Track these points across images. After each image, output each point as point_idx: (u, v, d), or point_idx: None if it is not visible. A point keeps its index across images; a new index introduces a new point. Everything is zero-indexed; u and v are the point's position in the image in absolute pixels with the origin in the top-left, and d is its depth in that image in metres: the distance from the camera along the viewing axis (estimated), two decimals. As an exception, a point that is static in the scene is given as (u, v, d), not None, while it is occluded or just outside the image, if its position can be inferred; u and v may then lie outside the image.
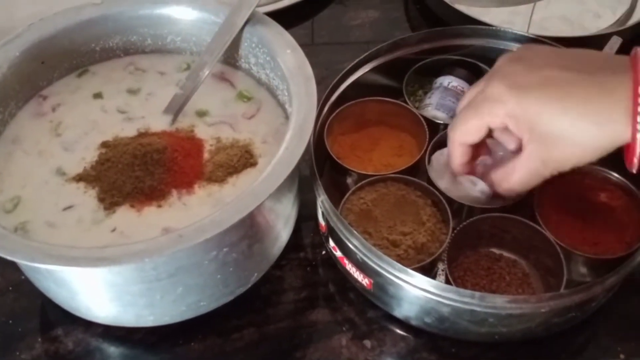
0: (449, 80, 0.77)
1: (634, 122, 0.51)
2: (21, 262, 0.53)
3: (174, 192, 0.62)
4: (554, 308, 0.57)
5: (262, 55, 0.68)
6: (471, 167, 0.66)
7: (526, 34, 0.78)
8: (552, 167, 0.57)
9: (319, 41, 0.97)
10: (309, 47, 0.65)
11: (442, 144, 0.73)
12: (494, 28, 0.80)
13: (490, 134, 0.61)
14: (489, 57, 0.79)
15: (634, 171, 0.54)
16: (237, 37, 0.68)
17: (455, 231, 0.64)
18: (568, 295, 0.57)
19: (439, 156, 0.70)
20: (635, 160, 0.53)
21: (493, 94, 0.57)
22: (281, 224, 0.64)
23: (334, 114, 0.73)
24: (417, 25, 0.99)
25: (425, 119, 0.74)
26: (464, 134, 0.61)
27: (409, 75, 0.78)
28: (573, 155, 0.55)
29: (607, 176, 0.69)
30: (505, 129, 0.58)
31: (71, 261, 0.50)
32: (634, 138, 0.51)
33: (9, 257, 0.51)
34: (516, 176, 0.58)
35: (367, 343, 0.64)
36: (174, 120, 0.67)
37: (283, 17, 0.70)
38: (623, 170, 0.68)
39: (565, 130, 0.54)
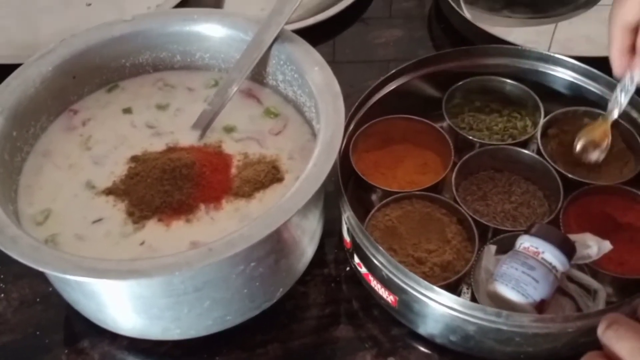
0: (521, 242, 0.63)
1: None
2: (53, 273, 0.54)
3: (202, 207, 0.62)
4: (580, 328, 0.56)
5: (289, 73, 0.69)
6: (630, 59, 0.64)
7: (551, 54, 0.78)
8: None
9: (342, 59, 0.98)
10: (331, 65, 0.66)
11: (470, 165, 0.73)
12: (519, 47, 0.80)
13: None
14: (517, 77, 0.79)
15: None
16: (265, 54, 0.69)
17: (479, 250, 0.64)
18: (595, 316, 0.56)
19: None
20: None
21: None
22: (307, 240, 0.64)
23: (359, 131, 0.74)
24: (440, 44, 1.00)
25: (452, 137, 0.74)
26: (624, 14, 0.60)
27: (448, 93, 0.79)
28: None
29: (634, 195, 0.69)
30: None
31: (102, 273, 0.51)
32: None
33: (40, 269, 0.52)
34: None
35: (391, 360, 0.64)
36: (202, 136, 0.68)
37: (306, 36, 0.70)
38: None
39: None
